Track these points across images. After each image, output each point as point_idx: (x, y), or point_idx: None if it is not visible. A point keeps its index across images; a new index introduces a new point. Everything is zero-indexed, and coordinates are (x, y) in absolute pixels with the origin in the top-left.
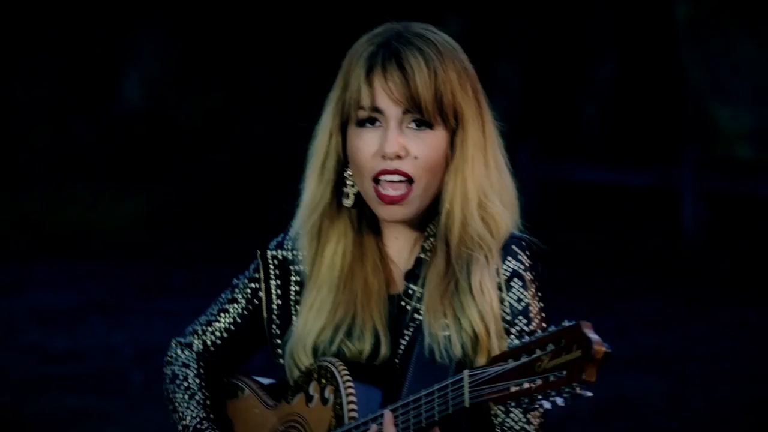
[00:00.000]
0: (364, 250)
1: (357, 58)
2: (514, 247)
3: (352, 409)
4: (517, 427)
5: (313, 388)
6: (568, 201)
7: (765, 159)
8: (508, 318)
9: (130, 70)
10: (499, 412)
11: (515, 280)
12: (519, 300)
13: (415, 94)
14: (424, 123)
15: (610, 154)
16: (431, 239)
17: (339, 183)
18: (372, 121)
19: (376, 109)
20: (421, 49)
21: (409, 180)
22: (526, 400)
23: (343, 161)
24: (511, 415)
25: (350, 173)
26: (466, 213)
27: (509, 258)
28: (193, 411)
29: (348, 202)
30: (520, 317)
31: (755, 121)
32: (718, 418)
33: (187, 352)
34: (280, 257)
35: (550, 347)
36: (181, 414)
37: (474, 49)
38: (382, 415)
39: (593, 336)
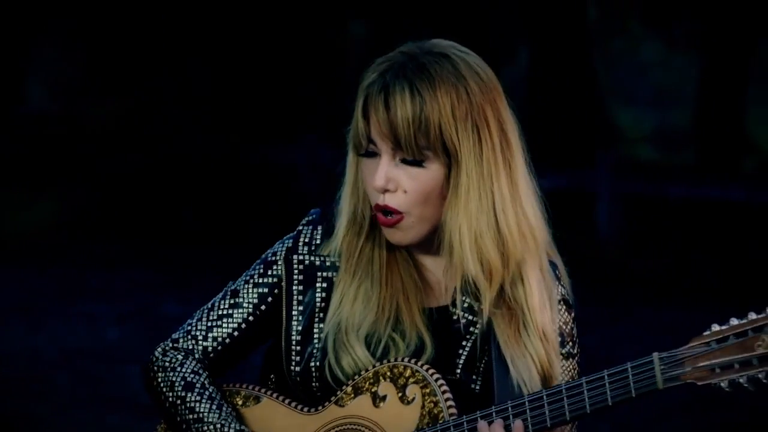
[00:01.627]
0: (396, 253)
1: (361, 84)
2: (556, 272)
3: (452, 406)
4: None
5: (383, 389)
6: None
7: (666, 161)
8: (559, 340)
9: (37, 73)
10: None
11: (561, 303)
12: (565, 323)
13: (396, 132)
14: (412, 157)
15: None
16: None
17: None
18: (370, 153)
19: (372, 141)
20: (411, 82)
21: (399, 213)
22: (739, 380)
23: None
24: None
25: None
26: (459, 248)
27: (555, 283)
28: (232, 423)
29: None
30: (569, 339)
31: (657, 123)
32: (646, 419)
33: (190, 359)
34: (307, 262)
35: None
36: (215, 426)
37: (378, 53)
38: (491, 413)
39: None
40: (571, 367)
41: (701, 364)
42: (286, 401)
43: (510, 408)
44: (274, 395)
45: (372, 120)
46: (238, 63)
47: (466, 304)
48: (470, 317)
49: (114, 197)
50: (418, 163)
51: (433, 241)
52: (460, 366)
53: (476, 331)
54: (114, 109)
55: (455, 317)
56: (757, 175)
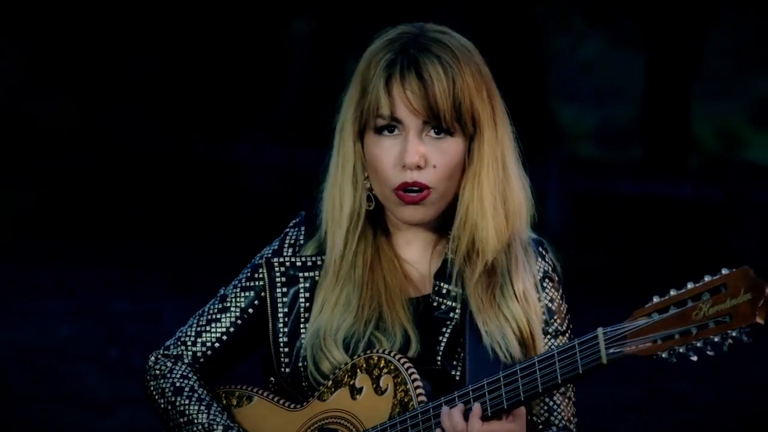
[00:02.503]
0: (380, 251)
1: (375, 64)
2: (540, 248)
3: (421, 393)
4: (560, 425)
5: (360, 381)
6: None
7: (609, 158)
8: (544, 318)
9: None
10: (542, 411)
11: (546, 281)
12: (551, 300)
13: (434, 104)
14: (443, 131)
15: None
16: (457, 241)
17: (365, 187)
18: (391, 128)
19: (395, 119)
20: (438, 56)
21: (428, 188)
22: (681, 350)
23: (365, 166)
24: (555, 413)
25: (367, 176)
26: (481, 217)
27: (539, 259)
28: (221, 421)
29: (370, 206)
30: (555, 317)
31: (599, 120)
32: (601, 418)
33: (180, 364)
34: (288, 264)
35: (707, 296)
36: (205, 426)
37: (323, 52)
38: (454, 398)
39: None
40: (561, 345)
41: (643, 336)
42: (276, 399)
43: (471, 392)
44: (266, 394)
45: (400, 97)
46: (185, 61)
47: (444, 290)
48: (450, 303)
49: (62, 195)
50: (449, 133)
51: (426, 225)
52: (440, 354)
53: (455, 316)
54: (61, 107)
55: (435, 304)
56: (701, 171)
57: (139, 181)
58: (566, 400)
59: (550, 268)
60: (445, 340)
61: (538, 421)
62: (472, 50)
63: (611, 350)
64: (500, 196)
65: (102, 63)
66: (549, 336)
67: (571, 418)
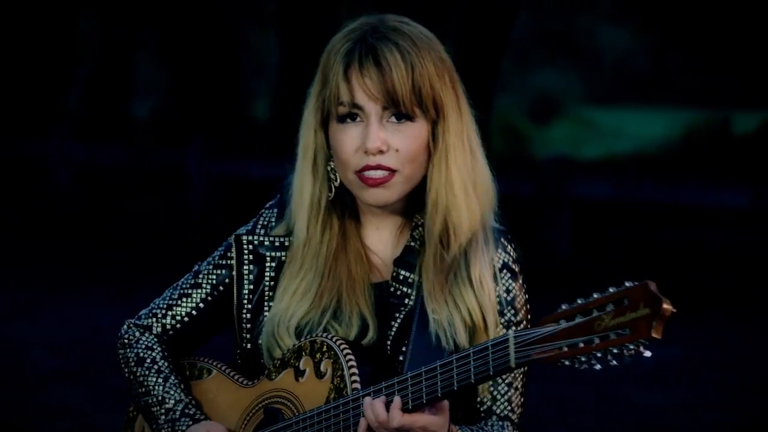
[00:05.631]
0: (346, 239)
1: (334, 54)
2: (502, 239)
3: (355, 381)
4: (501, 414)
5: (304, 363)
6: (243, 196)
7: None
8: (498, 308)
9: None
10: (485, 399)
11: (504, 271)
12: (508, 291)
13: (392, 89)
14: (404, 116)
15: (284, 149)
16: (420, 228)
17: (327, 176)
18: (353, 116)
19: (355, 105)
20: (397, 44)
21: (392, 170)
22: (582, 359)
23: (328, 155)
24: (497, 403)
25: (333, 166)
26: (452, 201)
27: (499, 250)
28: (174, 394)
29: (330, 195)
30: (509, 308)
31: None
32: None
33: (147, 335)
34: (256, 243)
35: (611, 307)
36: (158, 397)
37: (112, 50)
38: (381, 389)
39: (660, 295)
40: (479, 344)
41: (549, 343)
42: (233, 375)
43: (396, 384)
44: (225, 369)
45: (359, 84)
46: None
47: (402, 277)
48: (405, 289)
49: None
50: (409, 118)
51: (395, 210)
52: (390, 339)
53: (410, 302)
54: None
55: (392, 290)
56: (506, 165)
57: (31, 179)
58: (512, 390)
59: (511, 259)
60: (396, 325)
61: (481, 409)
62: (432, 38)
63: (519, 354)
64: (469, 179)
65: None
66: (501, 327)
67: (515, 408)
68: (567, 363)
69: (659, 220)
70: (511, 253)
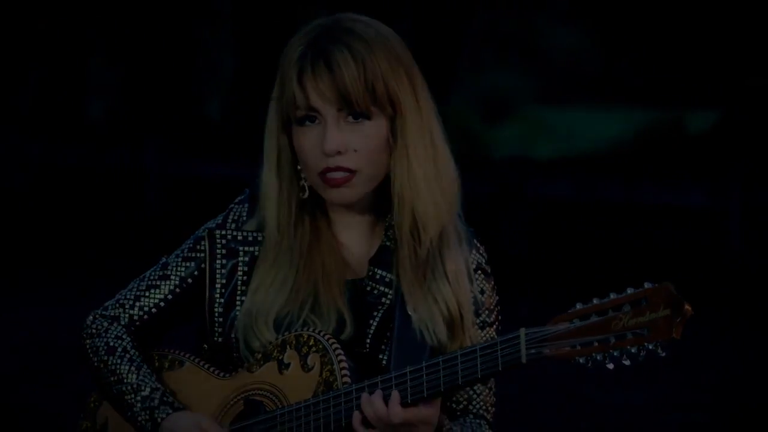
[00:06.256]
0: (319, 236)
1: (289, 59)
2: (475, 240)
3: (345, 375)
4: (478, 413)
5: (288, 357)
6: (200, 196)
7: None
8: (473, 308)
9: None
10: (461, 399)
11: (479, 272)
12: (482, 291)
13: (344, 91)
14: (360, 115)
15: (238, 149)
16: (398, 227)
17: (296, 176)
18: (311, 118)
19: (311, 108)
20: (348, 45)
21: (351, 171)
22: (598, 357)
23: (293, 156)
24: (474, 402)
25: (300, 167)
26: (416, 193)
27: (473, 251)
28: (149, 382)
29: (303, 195)
30: (484, 308)
31: None
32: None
33: (115, 325)
34: (229, 237)
35: (627, 308)
36: (133, 385)
37: (62, 50)
38: (377, 383)
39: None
40: (488, 336)
41: (563, 340)
42: (206, 366)
43: (393, 378)
44: (197, 361)
45: (312, 87)
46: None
47: (378, 276)
48: (382, 288)
49: None
50: (366, 116)
51: (364, 209)
52: (369, 337)
53: (387, 301)
54: None
55: (368, 288)
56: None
57: None
58: (486, 390)
59: (484, 261)
60: (375, 323)
61: (457, 408)
62: (389, 37)
63: (531, 351)
64: (432, 171)
65: None
66: (476, 327)
67: (489, 408)
68: (581, 361)
69: (617, 219)
70: (484, 255)
